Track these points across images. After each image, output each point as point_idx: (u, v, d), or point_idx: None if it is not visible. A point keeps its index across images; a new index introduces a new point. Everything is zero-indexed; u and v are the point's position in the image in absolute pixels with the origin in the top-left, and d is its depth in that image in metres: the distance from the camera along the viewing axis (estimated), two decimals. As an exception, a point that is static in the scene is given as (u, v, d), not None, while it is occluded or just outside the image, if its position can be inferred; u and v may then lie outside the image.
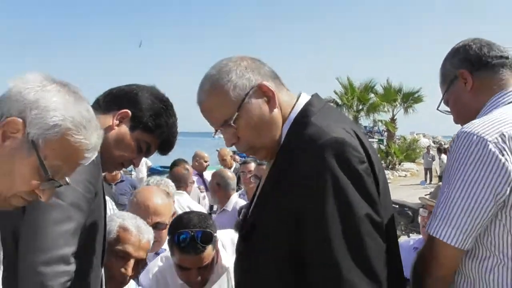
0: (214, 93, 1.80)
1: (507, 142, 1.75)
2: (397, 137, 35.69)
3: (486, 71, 2.01)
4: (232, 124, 1.78)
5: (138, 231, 2.38)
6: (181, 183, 5.59)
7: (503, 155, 1.73)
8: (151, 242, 2.47)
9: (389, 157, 31.69)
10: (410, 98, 33.77)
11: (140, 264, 2.44)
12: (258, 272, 1.82)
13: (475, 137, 1.78)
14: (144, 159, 9.22)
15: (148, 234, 2.44)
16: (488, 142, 1.75)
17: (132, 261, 2.35)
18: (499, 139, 1.75)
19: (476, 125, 1.82)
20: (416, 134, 39.26)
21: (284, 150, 1.81)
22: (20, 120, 1.36)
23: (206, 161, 8.67)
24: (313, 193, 1.67)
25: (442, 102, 2.19)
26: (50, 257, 1.75)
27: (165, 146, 2.18)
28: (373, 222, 1.67)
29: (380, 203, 1.73)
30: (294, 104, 1.86)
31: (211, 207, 7.01)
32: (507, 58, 2.01)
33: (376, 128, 39.26)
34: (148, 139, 2.11)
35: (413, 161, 33.05)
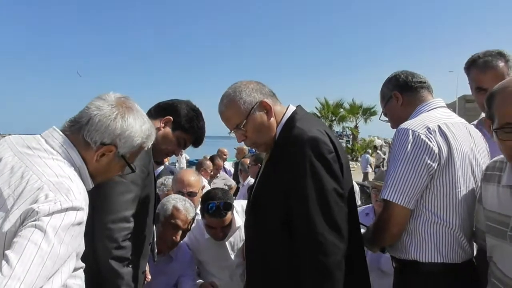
0: (230, 106, 1.83)
1: (432, 133, 1.80)
2: (359, 139, 35.61)
3: (411, 92, 2.07)
4: (242, 128, 1.81)
5: (186, 211, 2.42)
6: (200, 168, 6.33)
7: (430, 141, 1.78)
8: (194, 219, 2.51)
9: (354, 152, 31.75)
10: (368, 112, 33.93)
11: (185, 234, 2.46)
12: (261, 232, 1.83)
13: (410, 131, 1.83)
14: (184, 154, 9.28)
15: (192, 213, 2.47)
16: (420, 133, 1.81)
17: (180, 232, 2.40)
18: (426, 131, 1.81)
19: (410, 124, 1.87)
20: (372, 137, 39.11)
21: (277, 145, 1.84)
22: (113, 147, 1.43)
23: (225, 155, 8.80)
24: (297, 176, 1.69)
25: (383, 115, 2.23)
26: (116, 217, 1.77)
27: (197, 142, 2.20)
28: (338, 193, 1.70)
29: (342, 181, 1.74)
30: (285, 113, 1.88)
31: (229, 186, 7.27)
32: (424, 82, 2.08)
33: (345, 133, 39.23)
34: (185, 137, 2.13)
35: (370, 155, 33.00)
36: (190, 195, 2.96)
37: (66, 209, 1.21)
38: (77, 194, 1.28)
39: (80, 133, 1.41)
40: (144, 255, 2.02)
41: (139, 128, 1.47)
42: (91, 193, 1.75)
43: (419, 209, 1.84)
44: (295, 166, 1.71)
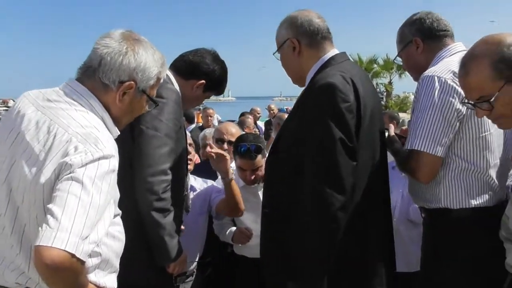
0: (276, 32, 1.96)
1: (458, 77, 1.73)
2: (393, 96, 34.66)
3: (434, 40, 1.99)
4: (276, 55, 1.97)
5: None
6: (244, 126, 6.27)
7: (457, 85, 1.72)
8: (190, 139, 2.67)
9: (387, 109, 31.03)
10: (403, 67, 32.67)
11: (192, 146, 2.67)
12: (277, 173, 1.89)
13: (435, 77, 1.79)
14: (216, 115, 9.44)
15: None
16: (446, 79, 1.76)
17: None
18: (453, 75, 1.76)
19: (434, 70, 1.83)
20: (407, 93, 37.93)
21: (304, 90, 1.86)
22: (133, 82, 1.41)
23: (258, 113, 8.91)
24: (305, 122, 1.71)
25: (398, 57, 2.18)
26: (155, 171, 1.84)
27: (221, 93, 2.30)
28: (345, 145, 1.64)
29: (353, 133, 1.67)
30: (323, 56, 1.87)
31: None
32: (448, 30, 2.00)
33: (378, 89, 38.21)
34: (212, 94, 2.23)
35: (404, 111, 32.15)
36: (230, 143, 3.03)
37: (98, 159, 1.22)
38: (106, 142, 1.28)
39: (95, 77, 1.38)
40: (181, 205, 2.12)
41: (152, 58, 1.44)
42: (128, 149, 1.84)
43: (448, 156, 1.83)
44: (306, 112, 1.72)
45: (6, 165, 1.31)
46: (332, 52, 1.87)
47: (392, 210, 2.77)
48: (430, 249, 1.96)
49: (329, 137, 1.63)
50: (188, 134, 2.70)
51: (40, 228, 1.12)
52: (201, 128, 7.24)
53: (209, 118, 7.48)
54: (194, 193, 2.64)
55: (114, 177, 1.28)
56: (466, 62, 1.52)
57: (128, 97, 1.42)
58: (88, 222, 1.14)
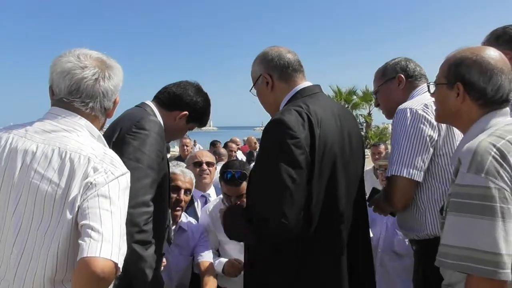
0: (251, 68, 1.99)
1: (429, 107, 1.91)
2: (373, 126, 35.35)
3: (415, 81, 2.17)
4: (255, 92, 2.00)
5: (183, 173, 2.61)
6: (221, 157, 6.19)
7: (428, 115, 1.90)
8: (193, 178, 2.69)
9: (367, 140, 31.50)
10: (374, 103, 33.44)
11: (187, 193, 2.62)
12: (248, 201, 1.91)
13: (408, 109, 1.94)
14: (198, 145, 9.50)
15: (190, 174, 2.67)
16: (418, 110, 1.92)
17: (182, 191, 2.57)
18: (423, 107, 1.93)
19: (406, 104, 2.01)
20: (386, 124, 38.74)
21: None
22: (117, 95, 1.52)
23: (237, 144, 8.85)
24: (258, 156, 1.77)
25: (376, 91, 2.30)
26: (136, 202, 1.77)
27: (204, 125, 2.33)
28: (292, 178, 1.61)
29: (302, 167, 1.63)
30: (293, 88, 1.89)
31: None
32: (425, 75, 2.20)
33: (358, 120, 38.93)
34: (195, 125, 2.26)
35: (384, 142, 32.72)
36: (208, 165, 3.16)
37: (118, 176, 1.32)
38: (118, 159, 1.39)
39: (100, 106, 1.46)
40: (162, 238, 2.06)
41: (120, 69, 1.53)
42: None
43: (427, 181, 1.92)
44: (260, 146, 1.79)
45: (12, 202, 1.31)
46: (303, 84, 1.88)
47: (376, 241, 2.81)
48: (421, 279, 1.95)
49: (276, 170, 1.61)
50: (189, 175, 2.69)
51: (81, 242, 1.19)
52: (179, 158, 7.07)
53: (185, 147, 6.99)
54: (183, 233, 2.66)
55: (128, 192, 1.38)
56: None
57: (112, 111, 1.54)
58: (121, 233, 1.24)
